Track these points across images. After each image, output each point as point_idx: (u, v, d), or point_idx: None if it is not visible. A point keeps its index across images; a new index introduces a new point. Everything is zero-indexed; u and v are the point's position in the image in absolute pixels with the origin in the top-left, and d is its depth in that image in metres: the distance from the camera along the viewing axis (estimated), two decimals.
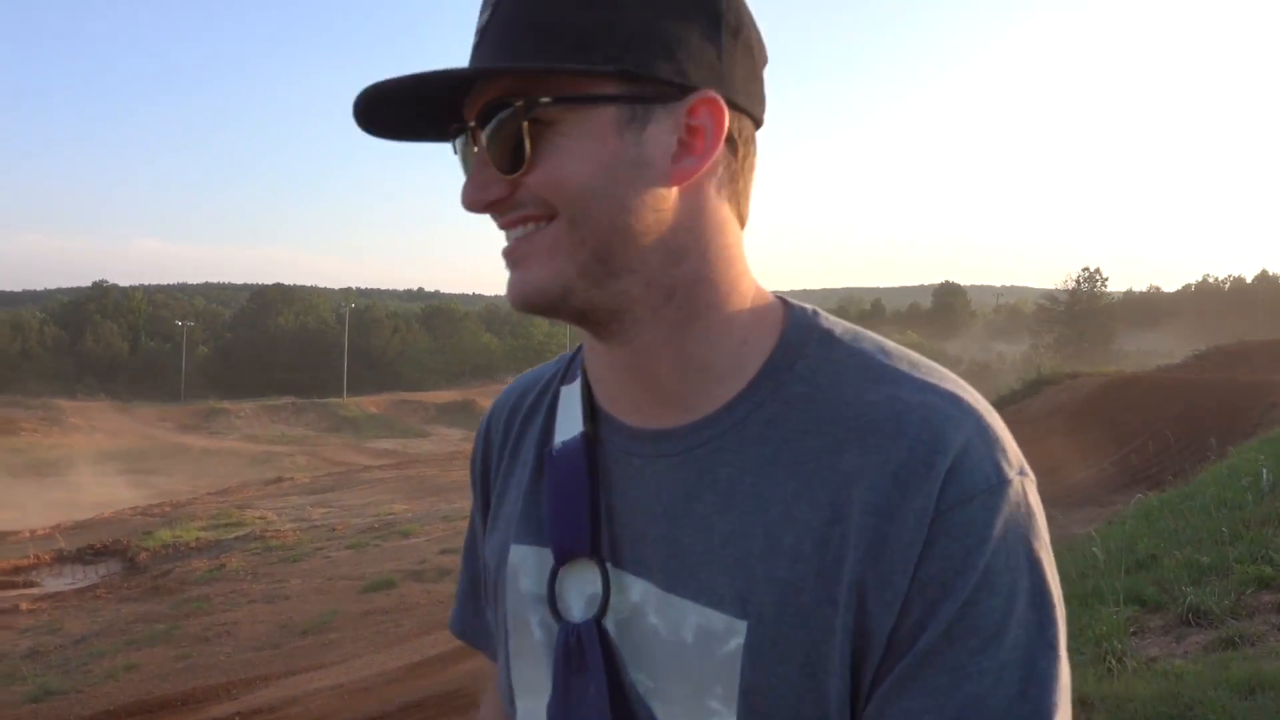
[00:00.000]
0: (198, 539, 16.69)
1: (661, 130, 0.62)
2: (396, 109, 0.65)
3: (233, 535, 16.80)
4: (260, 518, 18.68)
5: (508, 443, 0.80)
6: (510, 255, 0.66)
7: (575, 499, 0.69)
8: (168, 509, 22.82)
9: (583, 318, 0.66)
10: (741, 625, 0.61)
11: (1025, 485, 0.60)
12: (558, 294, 0.64)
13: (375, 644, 9.43)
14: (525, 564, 0.73)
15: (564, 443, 0.72)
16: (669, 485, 0.66)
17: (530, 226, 0.64)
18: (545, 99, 0.61)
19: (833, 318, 0.68)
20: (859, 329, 0.68)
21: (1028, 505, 0.60)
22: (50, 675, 9.89)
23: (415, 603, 10.86)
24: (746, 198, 0.68)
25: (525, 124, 0.61)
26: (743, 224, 0.68)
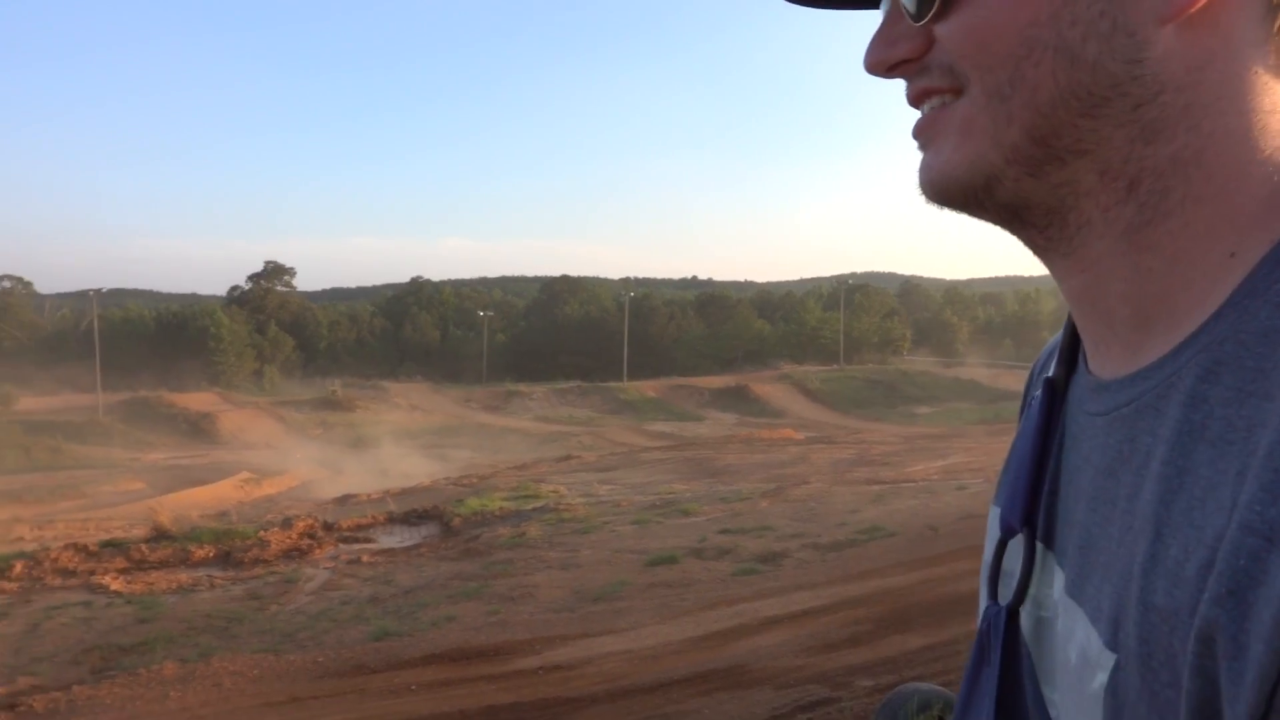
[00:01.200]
0: (501, 508, 18.35)
1: None
2: None
3: (530, 506, 18.29)
4: (554, 491, 20.16)
5: (1029, 392, 0.66)
6: (919, 133, 0.50)
7: (1023, 460, 0.56)
8: (474, 480, 25.30)
9: (1014, 217, 0.49)
10: (1110, 659, 0.44)
11: None
12: (979, 184, 0.48)
13: (660, 615, 9.86)
14: (991, 528, 0.61)
15: (1038, 394, 0.58)
16: (1098, 455, 0.50)
17: (937, 100, 0.49)
18: None
19: None
20: None
21: None
22: (387, 619, 11.38)
23: (696, 578, 11.20)
24: None
25: None
26: None
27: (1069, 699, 0.49)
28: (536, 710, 7.57)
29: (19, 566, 15.21)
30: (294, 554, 16.01)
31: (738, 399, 55.96)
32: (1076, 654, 0.47)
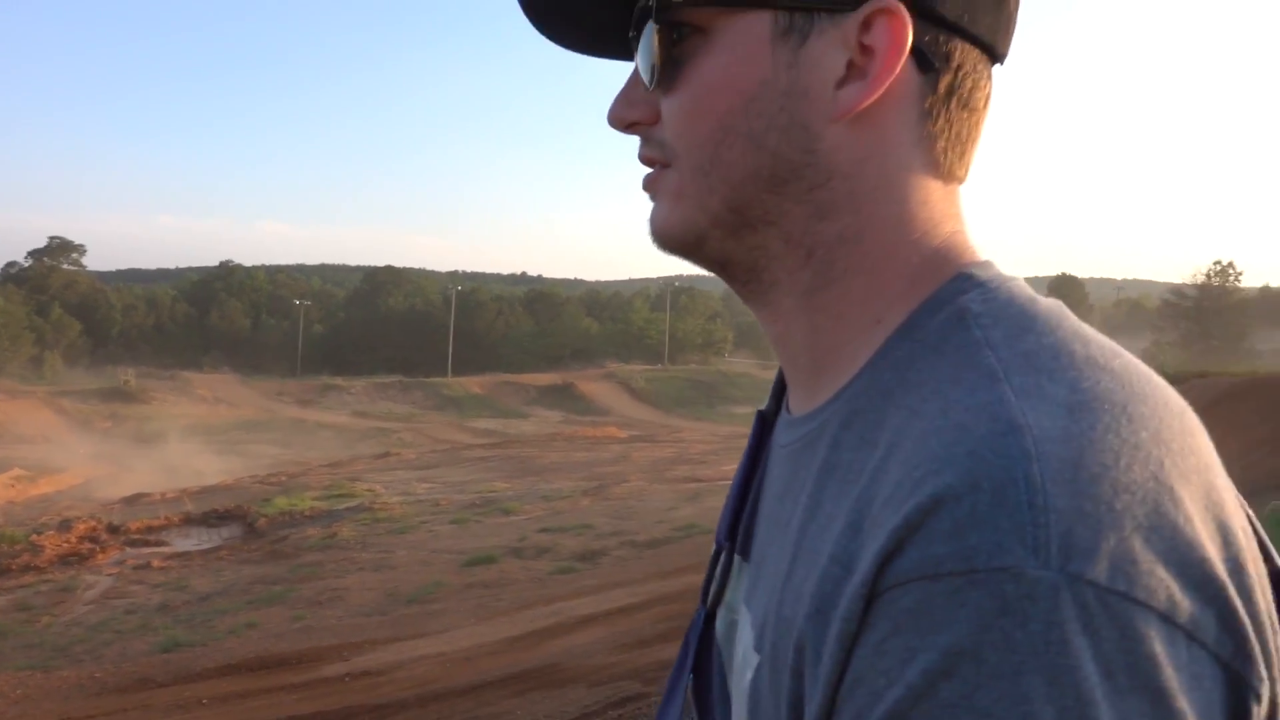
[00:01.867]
0: (311, 508, 17.52)
1: (825, 47, 0.50)
2: (572, 14, 0.58)
3: (344, 506, 17.56)
4: (369, 490, 19.46)
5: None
6: (646, 188, 0.58)
7: (735, 482, 0.64)
8: (283, 479, 24.02)
9: (722, 270, 0.57)
10: (755, 659, 0.51)
11: (1072, 594, 0.37)
12: (691, 240, 0.56)
13: (476, 616, 9.73)
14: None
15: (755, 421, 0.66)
16: (778, 482, 0.58)
17: (657, 166, 0.56)
18: None
19: (1008, 292, 0.50)
20: (1036, 312, 0.48)
21: (1056, 626, 0.37)
22: (179, 629, 10.59)
23: (514, 578, 11.15)
24: (959, 145, 0.53)
25: (657, 30, 0.52)
26: (952, 178, 0.54)
27: (737, 693, 0.55)
28: (343, 718, 7.28)
29: None
30: (72, 559, 14.60)
31: (564, 397, 56.12)
32: (740, 653, 0.55)
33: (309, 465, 28.63)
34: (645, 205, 0.58)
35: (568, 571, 11.17)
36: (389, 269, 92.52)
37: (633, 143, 0.58)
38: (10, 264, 75.73)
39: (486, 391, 58.31)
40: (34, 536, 15.43)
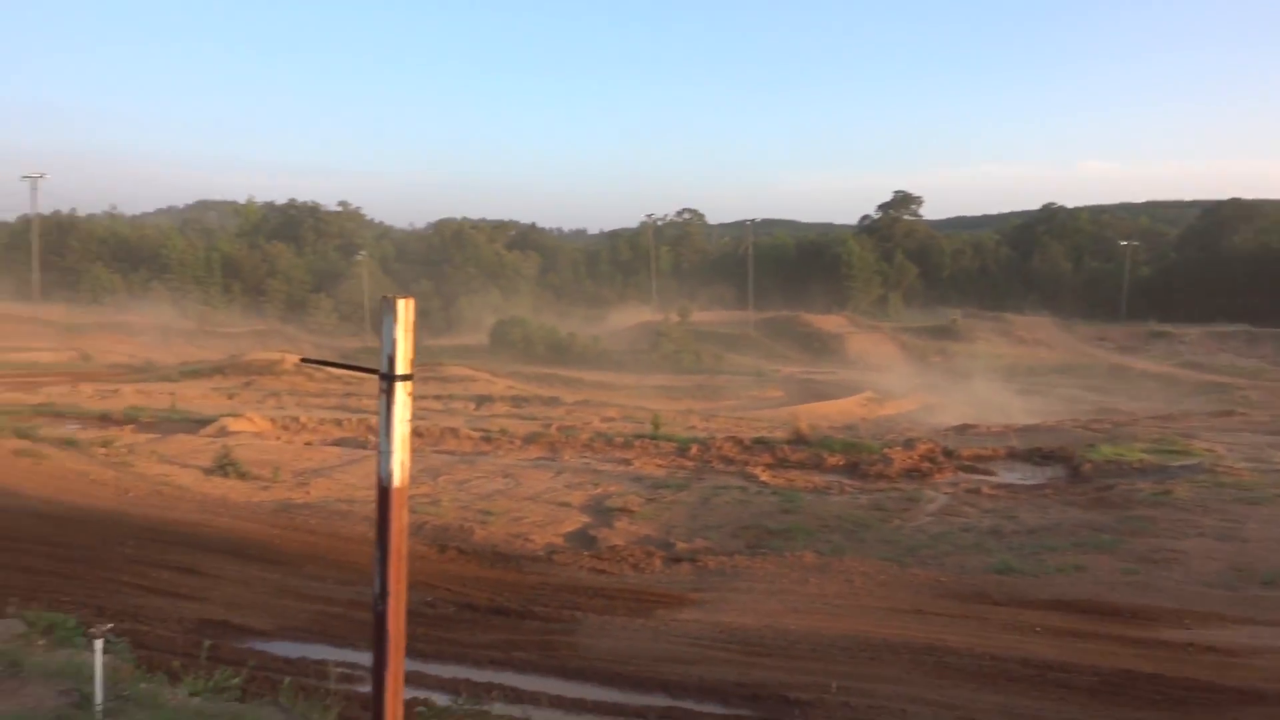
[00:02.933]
0: (1140, 460, 16.53)
1: None
2: None
3: (1178, 463, 16.12)
4: (1208, 450, 17.45)
5: None
6: None
7: None
8: (1106, 425, 23.15)
9: None
10: None
11: None
12: None
13: None
14: None
15: None
16: None
17: None
18: None
19: None
20: None
21: None
22: (1009, 555, 11.19)
23: None
24: None
25: None
26: None
27: None
28: (1183, 689, 6.78)
29: (694, 449, 18.52)
30: (914, 474, 16.63)
31: None
32: None
33: (1134, 415, 27.02)
34: None
35: None
36: (1234, 202, 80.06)
37: None
38: (864, 217, 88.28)
39: None
40: (885, 450, 18.01)
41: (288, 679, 6.18)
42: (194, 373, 33.09)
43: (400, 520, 1.96)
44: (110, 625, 6.08)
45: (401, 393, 1.97)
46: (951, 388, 36.86)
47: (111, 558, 10.24)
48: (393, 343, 1.96)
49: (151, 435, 19.31)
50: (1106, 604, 9.01)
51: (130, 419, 21.21)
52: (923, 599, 9.56)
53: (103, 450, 16.61)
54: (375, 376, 2.11)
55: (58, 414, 21.78)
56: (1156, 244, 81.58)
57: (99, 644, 4.79)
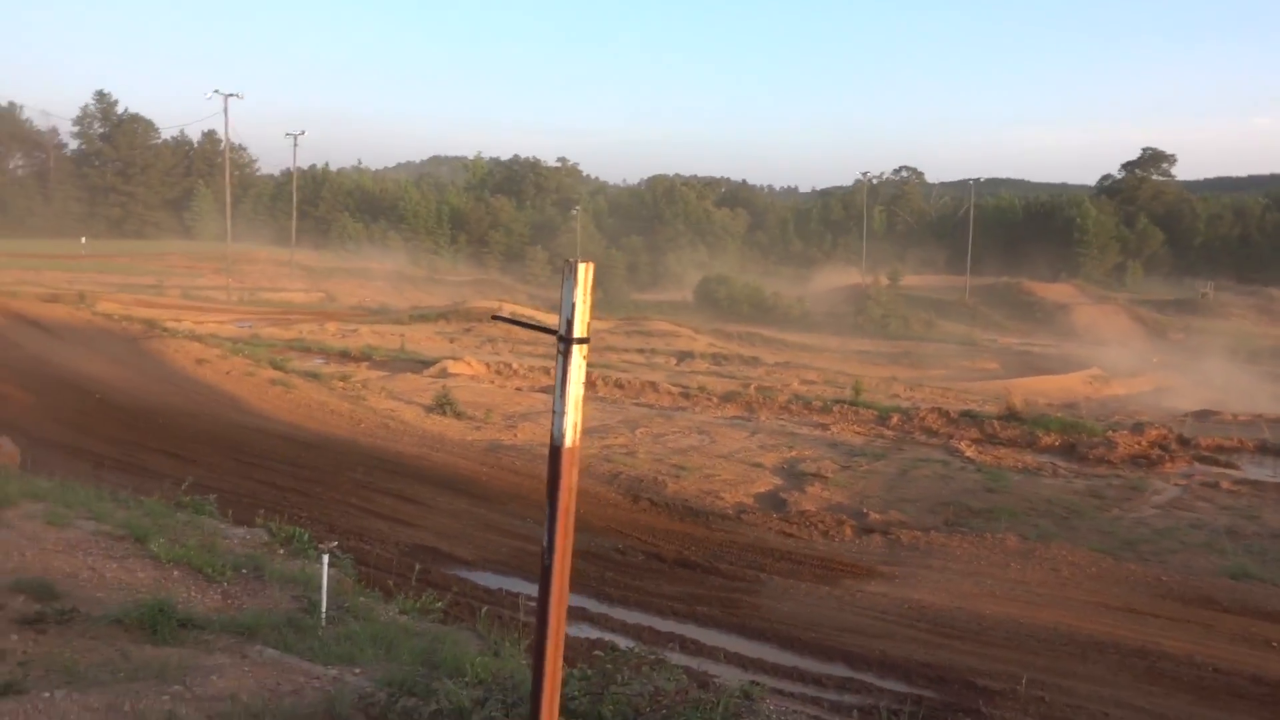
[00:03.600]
0: None
1: None
2: None
3: None
4: None
5: None
6: None
7: None
8: None
9: None
10: None
11: None
12: None
13: None
14: None
15: None
16: None
17: None
18: None
19: None
20: None
21: None
22: (1247, 558, 10.07)
23: None
24: None
25: None
26: None
27: None
28: None
29: (895, 419, 17.92)
30: (1141, 461, 15.26)
31: None
32: None
33: None
34: None
35: None
36: None
37: None
38: (1105, 176, 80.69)
39: None
40: (1109, 433, 16.61)
41: (485, 608, 6.65)
42: (422, 317, 35.74)
43: (570, 478, 2.04)
44: (336, 542, 6.77)
45: (577, 355, 2.04)
46: (1191, 368, 33.35)
47: (342, 481, 11.36)
48: (571, 306, 2.03)
49: (382, 372, 21.13)
50: None
51: (365, 356, 23.31)
52: (1138, 597, 8.83)
53: (341, 384, 18.35)
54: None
55: (305, 349, 24.28)
56: None
57: (325, 559, 5.36)
